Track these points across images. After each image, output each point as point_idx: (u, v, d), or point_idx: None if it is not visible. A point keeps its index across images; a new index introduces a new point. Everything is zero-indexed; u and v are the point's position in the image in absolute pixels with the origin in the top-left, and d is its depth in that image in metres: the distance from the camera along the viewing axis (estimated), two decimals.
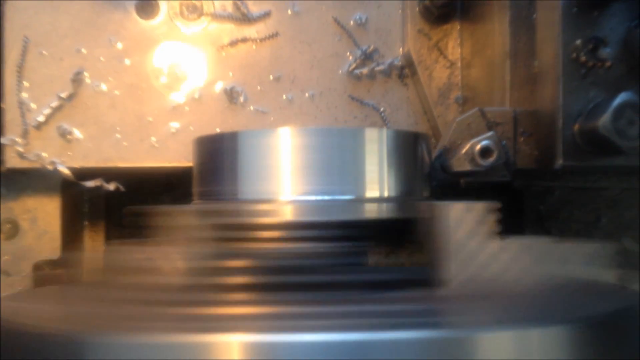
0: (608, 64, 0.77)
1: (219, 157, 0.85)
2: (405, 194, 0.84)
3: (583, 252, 0.77)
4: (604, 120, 0.72)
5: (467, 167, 0.83)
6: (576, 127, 0.78)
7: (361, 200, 0.82)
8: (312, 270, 0.84)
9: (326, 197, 0.81)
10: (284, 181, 0.81)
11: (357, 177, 0.82)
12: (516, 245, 0.76)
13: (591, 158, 0.78)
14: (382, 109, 1.06)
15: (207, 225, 0.83)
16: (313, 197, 0.81)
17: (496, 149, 0.83)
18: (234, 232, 0.81)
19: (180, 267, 0.80)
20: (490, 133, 0.84)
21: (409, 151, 0.85)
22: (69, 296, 0.87)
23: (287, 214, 0.81)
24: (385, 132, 0.84)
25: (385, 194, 0.83)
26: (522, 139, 0.86)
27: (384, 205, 0.83)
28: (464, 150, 0.84)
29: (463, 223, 0.77)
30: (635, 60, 0.76)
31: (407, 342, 0.58)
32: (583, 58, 0.77)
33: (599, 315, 0.66)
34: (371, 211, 0.83)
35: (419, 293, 0.78)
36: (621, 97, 0.73)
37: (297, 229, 0.81)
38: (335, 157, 0.81)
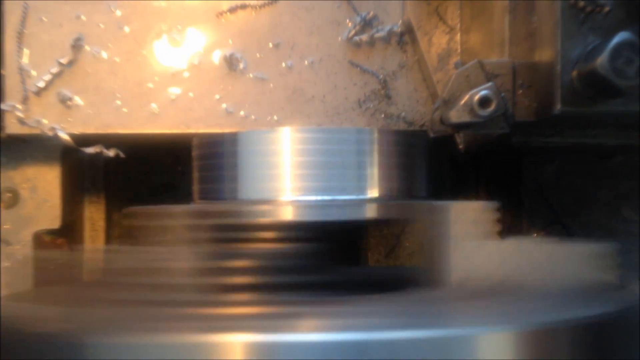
0: (606, 9, 0.77)
1: (219, 156, 0.86)
2: (406, 194, 0.84)
3: (583, 252, 0.76)
4: (602, 59, 0.72)
5: (466, 118, 0.83)
6: (574, 72, 0.77)
7: (361, 200, 0.82)
8: (312, 270, 0.84)
9: (326, 197, 0.80)
10: (284, 181, 0.81)
11: (357, 177, 0.82)
12: (516, 245, 0.76)
13: (589, 103, 0.78)
14: (381, 76, 1.06)
15: (207, 225, 0.82)
16: (313, 197, 0.80)
17: (495, 99, 0.82)
18: (235, 232, 0.81)
19: (181, 267, 0.80)
20: (489, 83, 0.83)
21: (409, 151, 0.85)
22: (69, 296, 0.87)
23: (287, 214, 0.81)
24: (385, 132, 0.84)
25: (386, 193, 0.83)
26: (521, 90, 0.86)
27: (384, 205, 0.82)
28: (462, 101, 0.84)
29: (462, 223, 0.77)
30: (632, 4, 0.76)
31: (407, 342, 0.58)
32: (581, 3, 0.77)
33: (599, 315, 0.66)
34: (371, 211, 0.82)
35: (419, 293, 0.78)
36: (619, 37, 0.72)
37: (297, 229, 0.81)
38: (335, 157, 0.81)
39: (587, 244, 0.76)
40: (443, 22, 1.04)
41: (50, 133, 1.02)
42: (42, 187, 1.07)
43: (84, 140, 1.03)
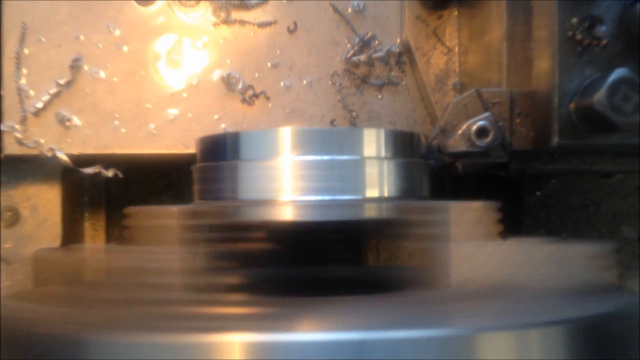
0: (604, 42, 0.77)
1: (219, 156, 0.86)
2: (405, 194, 0.84)
3: (583, 253, 0.76)
4: (599, 96, 0.72)
5: (463, 147, 0.83)
6: (572, 105, 0.77)
7: (361, 200, 0.82)
8: (312, 270, 0.84)
9: (326, 197, 0.81)
10: (284, 181, 0.81)
11: (357, 177, 0.82)
12: (516, 245, 0.76)
13: (587, 136, 0.78)
14: (379, 96, 1.06)
15: (207, 225, 0.82)
16: (313, 197, 0.81)
17: (492, 129, 0.82)
18: (234, 232, 0.81)
19: (180, 267, 0.80)
20: (486, 114, 0.83)
21: (409, 151, 0.85)
22: (69, 296, 0.87)
23: (287, 214, 0.81)
24: (384, 132, 0.84)
25: (385, 194, 0.83)
26: (518, 120, 0.86)
27: (384, 205, 0.83)
28: (460, 131, 0.83)
29: (463, 223, 0.77)
30: (631, 37, 0.76)
31: (407, 342, 0.58)
32: (579, 36, 0.77)
33: (599, 315, 0.66)
34: (371, 211, 0.82)
35: (419, 293, 0.78)
36: (617, 73, 0.72)
37: (297, 229, 0.81)
38: (335, 157, 0.81)
39: (586, 245, 0.76)
40: (441, 43, 1.04)
41: (48, 153, 1.02)
42: (43, 206, 1.07)
43: (82, 160, 1.03)
